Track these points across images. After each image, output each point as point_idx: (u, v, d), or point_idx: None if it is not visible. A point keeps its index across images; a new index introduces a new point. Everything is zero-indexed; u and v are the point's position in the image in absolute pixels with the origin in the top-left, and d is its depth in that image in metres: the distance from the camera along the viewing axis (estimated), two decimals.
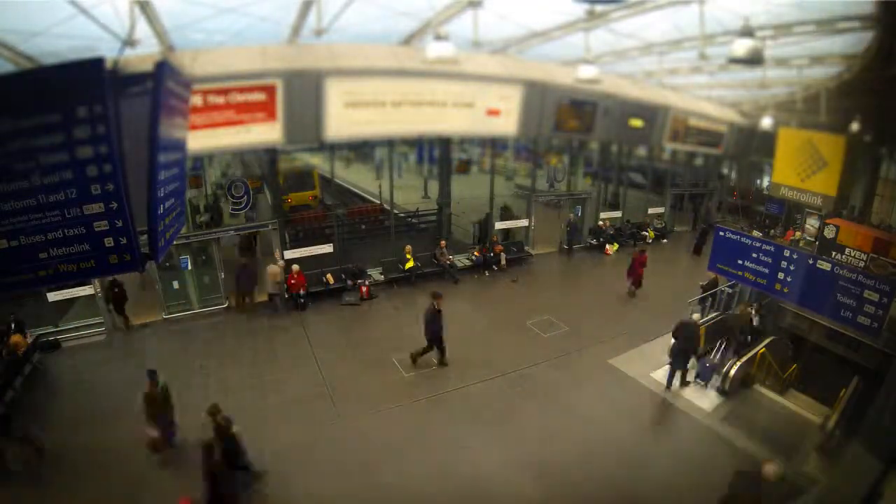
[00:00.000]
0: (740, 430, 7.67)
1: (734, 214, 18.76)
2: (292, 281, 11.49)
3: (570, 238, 15.72)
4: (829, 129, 11.83)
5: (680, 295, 11.26)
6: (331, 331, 10.70)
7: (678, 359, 8.51)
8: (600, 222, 16.47)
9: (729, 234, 8.87)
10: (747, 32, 7.85)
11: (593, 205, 16.69)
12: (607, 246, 15.96)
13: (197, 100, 9.30)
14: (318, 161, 19.98)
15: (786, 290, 8.17)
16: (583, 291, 13.22)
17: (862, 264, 9.59)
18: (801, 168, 11.37)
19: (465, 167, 22.87)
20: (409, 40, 11.17)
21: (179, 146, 3.66)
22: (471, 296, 12.52)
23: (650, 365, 9.29)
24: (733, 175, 20.61)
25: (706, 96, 16.50)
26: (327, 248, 12.60)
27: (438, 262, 13.30)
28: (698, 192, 19.55)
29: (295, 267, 11.57)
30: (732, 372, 8.53)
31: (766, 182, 18.83)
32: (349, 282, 12.09)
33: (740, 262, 8.63)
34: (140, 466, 6.62)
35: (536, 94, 12.92)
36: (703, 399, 8.46)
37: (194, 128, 9.35)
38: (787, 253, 8.12)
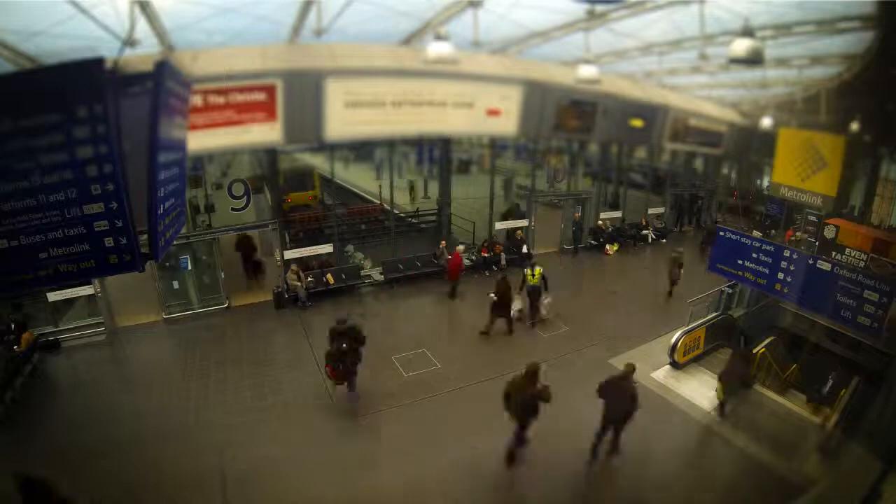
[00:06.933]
0: (740, 430, 7.67)
1: (734, 214, 18.77)
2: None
3: (575, 238, 15.77)
4: (829, 129, 11.84)
5: (680, 295, 11.27)
6: None
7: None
8: (600, 222, 16.47)
9: (729, 234, 8.87)
10: (747, 32, 7.86)
11: (593, 205, 16.69)
12: (607, 246, 15.95)
13: (197, 100, 9.30)
14: (318, 161, 19.96)
15: (786, 291, 8.17)
16: (583, 292, 13.21)
17: (862, 264, 9.60)
18: (801, 168, 11.35)
19: (465, 167, 22.84)
20: (409, 40, 11.17)
21: (179, 146, 3.66)
22: (471, 296, 12.51)
23: (650, 365, 9.28)
24: (733, 175, 20.62)
25: (706, 96, 16.50)
26: (327, 248, 12.61)
27: (438, 262, 13.29)
28: (694, 194, 19.57)
29: (294, 267, 11.62)
30: None
31: (766, 182, 18.82)
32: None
33: (740, 262, 8.63)
34: (139, 466, 6.62)
35: (536, 94, 12.92)
36: (703, 399, 8.46)
37: (194, 128, 9.36)
38: (787, 253, 8.12)
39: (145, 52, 8.43)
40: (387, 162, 16.46)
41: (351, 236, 15.44)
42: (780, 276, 8.14)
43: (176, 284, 11.23)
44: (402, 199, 17.19)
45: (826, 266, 7.62)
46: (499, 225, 14.82)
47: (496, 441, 7.27)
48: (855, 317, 7.28)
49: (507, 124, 12.98)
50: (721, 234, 8.98)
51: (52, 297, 9.83)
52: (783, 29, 9.84)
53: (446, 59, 9.72)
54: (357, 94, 10.96)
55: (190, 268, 11.28)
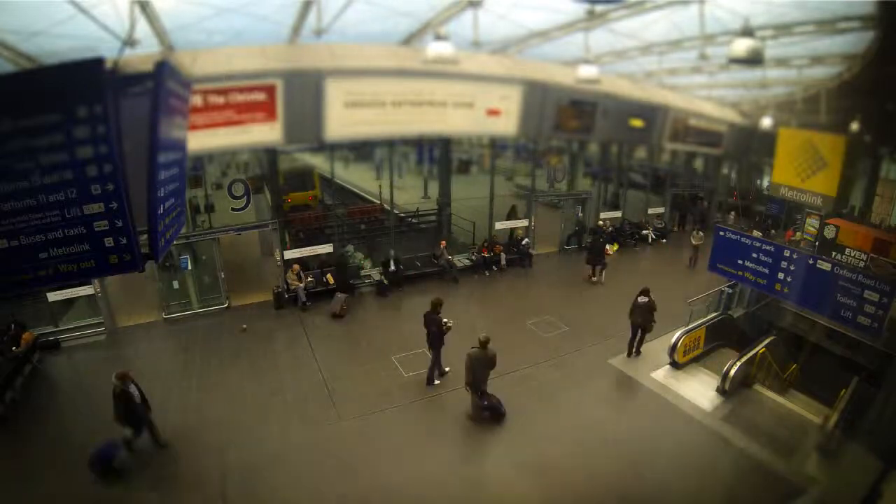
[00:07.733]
0: (740, 430, 7.66)
1: (734, 214, 18.76)
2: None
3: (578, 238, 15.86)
4: (829, 129, 11.84)
5: (680, 295, 11.23)
6: (331, 331, 10.70)
7: None
8: (600, 222, 16.45)
9: (729, 234, 8.87)
10: (747, 32, 7.86)
11: (593, 205, 16.70)
12: (607, 246, 15.90)
13: (197, 100, 9.30)
14: (318, 161, 19.95)
15: (786, 291, 8.17)
16: (583, 292, 13.21)
17: (862, 264, 9.60)
18: (801, 168, 11.36)
19: (465, 167, 22.85)
20: (409, 40, 11.18)
21: (179, 146, 3.66)
22: (471, 296, 12.51)
23: (650, 365, 9.29)
24: (733, 175, 20.63)
25: (706, 96, 16.51)
26: (327, 248, 12.60)
27: (438, 262, 13.29)
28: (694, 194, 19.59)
29: (294, 266, 11.65)
30: (732, 372, 8.53)
31: (766, 182, 18.82)
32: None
33: (740, 262, 8.63)
34: (138, 465, 6.62)
35: (536, 94, 12.92)
36: (703, 399, 8.46)
37: (194, 128, 9.36)
38: (787, 253, 8.12)
39: (145, 52, 8.43)
40: (387, 162, 16.45)
41: (351, 236, 15.42)
42: (780, 276, 8.14)
43: (176, 284, 11.23)
44: (402, 199, 17.14)
45: (826, 266, 7.62)
46: (499, 225, 14.81)
47: (496, 441, 7.29)
48: (855, 317, 7.29)
49: (507, 124, 12.98)
50: (721, 234, 8.98)
51: (52, 297, 9.83)
52: (783, 29, 9.84)
53: (446, 59, 9.73)
54: (357, 94, 10.96)
55: (190, 268, 11.28)
